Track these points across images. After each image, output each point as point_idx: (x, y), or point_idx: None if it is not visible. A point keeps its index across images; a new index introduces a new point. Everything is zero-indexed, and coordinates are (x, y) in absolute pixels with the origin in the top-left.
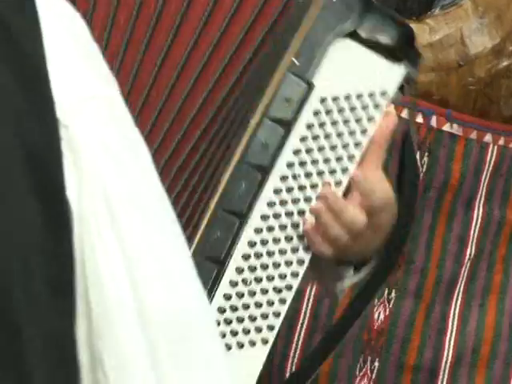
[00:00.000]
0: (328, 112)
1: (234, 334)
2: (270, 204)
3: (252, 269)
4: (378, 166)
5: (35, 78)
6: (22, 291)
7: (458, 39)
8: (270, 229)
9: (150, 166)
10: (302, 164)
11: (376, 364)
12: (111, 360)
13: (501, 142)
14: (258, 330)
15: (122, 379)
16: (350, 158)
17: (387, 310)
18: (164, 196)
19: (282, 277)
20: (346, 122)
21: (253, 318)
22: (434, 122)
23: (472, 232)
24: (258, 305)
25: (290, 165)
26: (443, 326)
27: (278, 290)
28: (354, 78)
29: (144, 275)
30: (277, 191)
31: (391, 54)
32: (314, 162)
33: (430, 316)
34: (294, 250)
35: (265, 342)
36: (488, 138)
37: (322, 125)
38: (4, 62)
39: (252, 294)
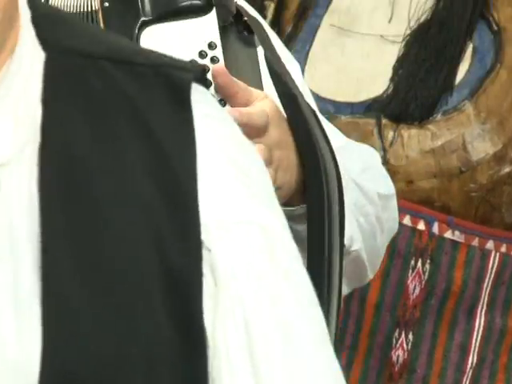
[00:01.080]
0: None
1: None
2: None
3: None
4: None
5: (182, 197)
6: None
7: (460, 145)
8: None
9: (310, 298)
10: None
11: None
12: None
13: (503, 249)
14: None
15: None
16: None
17: None
18: (324, 333)
19: None
20: None
21: None
22: (435, 228)
23: (474, 340)
24: None
25: None
26: None
27: None
28: (175, 51)
29: None
30: None
31: (200, 9)
32: None
33: None
34: None
35: None
36: (490, 245)
37: None
38: (152, 177)
39: None
